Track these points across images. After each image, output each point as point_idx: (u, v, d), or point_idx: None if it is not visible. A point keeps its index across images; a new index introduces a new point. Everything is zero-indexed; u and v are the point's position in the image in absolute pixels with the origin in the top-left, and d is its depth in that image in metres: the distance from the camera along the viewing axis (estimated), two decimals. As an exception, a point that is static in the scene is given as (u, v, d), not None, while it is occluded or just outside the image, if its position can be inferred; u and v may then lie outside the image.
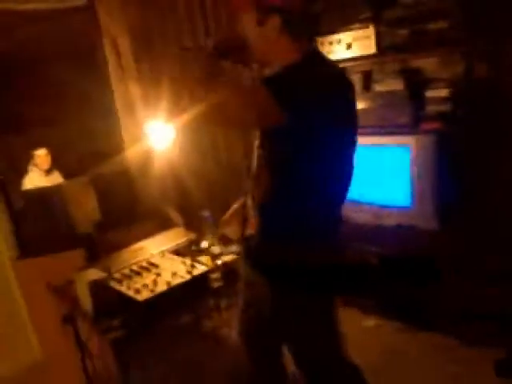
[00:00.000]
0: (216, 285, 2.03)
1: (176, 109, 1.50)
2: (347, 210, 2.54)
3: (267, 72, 1.53)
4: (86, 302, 1.92)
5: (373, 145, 2.52)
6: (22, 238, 2.56)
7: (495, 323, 2.24)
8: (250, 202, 1.63)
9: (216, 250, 2.16)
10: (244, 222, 1.68)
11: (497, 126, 2.19)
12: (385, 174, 2.55)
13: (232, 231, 1.85)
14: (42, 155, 3.80)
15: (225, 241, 2.20)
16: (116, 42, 2.77)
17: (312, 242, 1.50)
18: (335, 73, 1.53)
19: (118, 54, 2.78)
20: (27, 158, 3.92)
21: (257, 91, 1.37)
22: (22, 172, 3.85)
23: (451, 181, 2.33)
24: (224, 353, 2.68)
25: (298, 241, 1.49)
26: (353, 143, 1.54)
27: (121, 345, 1.84)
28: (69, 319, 2.28)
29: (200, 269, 2.01)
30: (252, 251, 1.62)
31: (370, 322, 2.76)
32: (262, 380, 1.86)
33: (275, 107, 1.30)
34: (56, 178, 3.93)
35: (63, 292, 2.18)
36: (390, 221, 2.57)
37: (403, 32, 2.31)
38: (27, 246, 2.55)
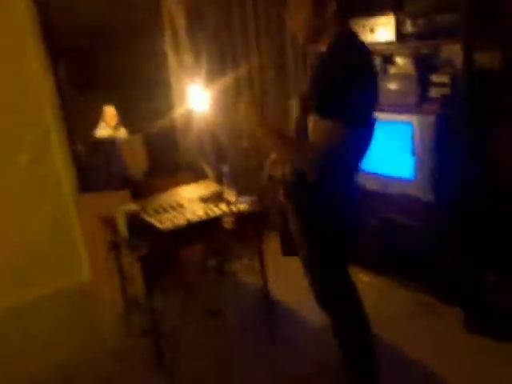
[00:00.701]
0: (228, 226, 2.46)
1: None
2: (360, 178, 2.93)
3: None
4: (123, 227, 2.43)
5: (383, 120, 2.80)
6: (83, 178, 3.12)
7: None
8: None
9: (232, 198, 2.58)
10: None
11: (491, 111, 2.42)
12: (392, 148, 2.83)
13: (277, 171, 2.02)
14: (110, 113, 4.38)
15: (240, 192, 2.62)
16: (173, 19, 3.21)
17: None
18: (367, 54, 1.76)
19: (175, 30, 3.23)
20: (99, 115, 4.51)
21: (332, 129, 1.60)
22: (92, 126, 4.45)
23: (449, 158, 2.58)
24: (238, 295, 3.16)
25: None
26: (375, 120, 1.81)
27: (146, 261, 2.32)
28: (113, 245, 2.83)
29: (215, 211, 2.45)
30: (289, 188, 1.91)
31: (365, 277, 3.10)
32: None
33: (340, 128, 1.59)
34: (121, 134, 4.50)
35: (110, 221, 2.71)
36: (395, 190, 2.86)
37: (419, 22, 2.56)
38: (87, 184, 3.10)
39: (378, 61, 2.83)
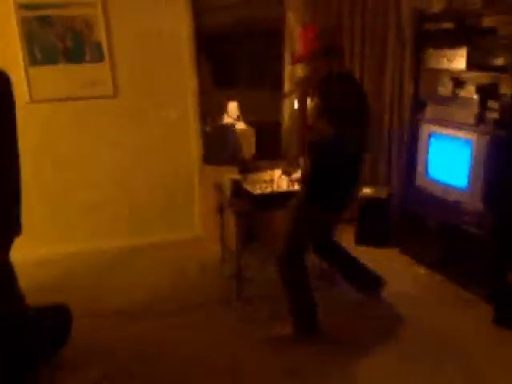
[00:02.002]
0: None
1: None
2: (427, 183, 3.48)
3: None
4: (227, 190, 3.29)
5: (449, 135, 3.35)
6: (206, 152, 4.08)
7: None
8: None
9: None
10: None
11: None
12: (453, 159, 3.34)
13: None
14: (233, 106, 5.30)
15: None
16: (291, 32, 4.02)
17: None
18: (357, 85, 2.75)
19: (292, 39, 4.04)
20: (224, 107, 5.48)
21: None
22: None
23: (500, 174, 3.05)
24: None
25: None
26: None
27: (240, 217, 3.17)
28: (219, 206, 3.71)
29: (295, 188, 3.21)
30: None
31: (422, 269, 3.63)
32: None
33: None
34: (240, 125, 5.42)
35: (220, 187, 3.58)
36: (451, 197, 3.38)
37: (485, 57, 3.08)
38: (207, 158, 4.05)
39: (450, 84, 3.39)
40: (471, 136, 3.16)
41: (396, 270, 3.65)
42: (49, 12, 3.74)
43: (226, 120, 5.35)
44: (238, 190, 3.27)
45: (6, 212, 2.07)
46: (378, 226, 4.02)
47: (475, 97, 3.17)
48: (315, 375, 2.60)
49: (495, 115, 3.03)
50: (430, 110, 3.56)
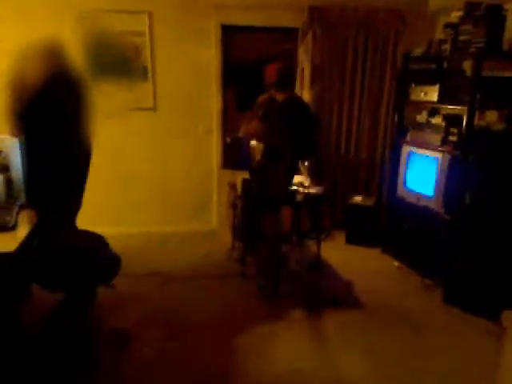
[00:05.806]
0: (298, 199, 3.97)
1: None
2: (405, 193, 4.22)
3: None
4: (239, 187, 4.10)
5: (421, 154, 4.11)
6: (225, 158, 4.92)
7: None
8: None
9: (307, 184, 4.08)
10: None
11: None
12: (424, 173, 4.09)
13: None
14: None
15: (315, 182, 4.10)
16: (303, 68, 4.87)
17: None
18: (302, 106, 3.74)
19: (302, 75, 4.88)
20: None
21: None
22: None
23: (459, 184, 3.77)
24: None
25: None
26: None
27: (246, 210, 3.97)
28: (233, 203, 4.51)
29: (292, 189, 3.99)
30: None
31: (396, 263, 4.35)
32: None
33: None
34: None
35: (234, 187, 4.39)
36: (422, 203, 4.11)
37: (453, 91, 3.85)
38: (225, 163, 4.89)
39: (426, 113, 4.17)
40: (438, 154, 3.91)
41: (376, 265, 4.42)
42: (106, 39, 4.68)
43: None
44: (247, 187, 4.08)
45: (77, 194, 2.96)
46: (365, 229, 4.76)
47: (443, 124, 3.94)
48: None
49: (455, 138, 3.78)
50: (410, 134, 4.33)
